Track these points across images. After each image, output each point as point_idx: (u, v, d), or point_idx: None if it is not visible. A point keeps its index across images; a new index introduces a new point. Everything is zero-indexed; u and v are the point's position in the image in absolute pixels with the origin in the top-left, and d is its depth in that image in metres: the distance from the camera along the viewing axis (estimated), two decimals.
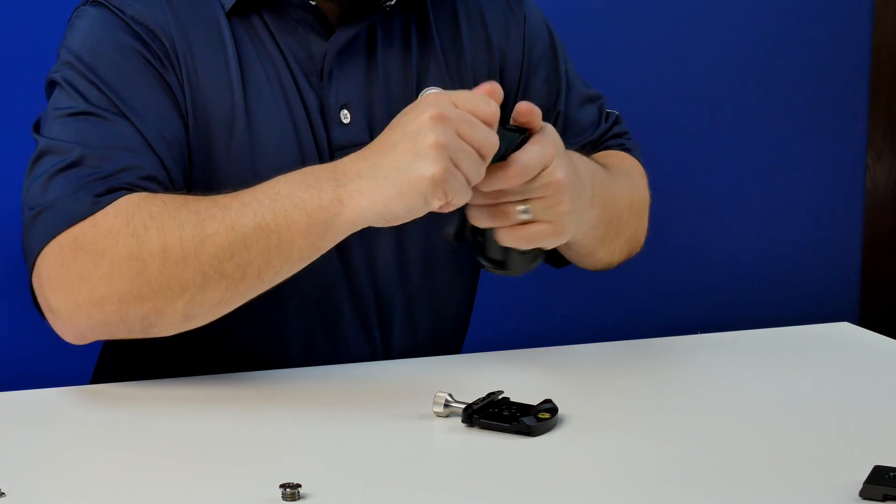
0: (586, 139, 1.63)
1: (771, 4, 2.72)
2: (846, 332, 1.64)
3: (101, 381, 1.60)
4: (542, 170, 1.30)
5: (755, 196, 2.91)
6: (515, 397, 1.29)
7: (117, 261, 1.29)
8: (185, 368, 1.45)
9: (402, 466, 1.17)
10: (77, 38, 1.44)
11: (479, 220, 1.32)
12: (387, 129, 1.29)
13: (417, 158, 1.24)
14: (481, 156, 1.25)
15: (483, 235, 1.34)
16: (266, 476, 1.12)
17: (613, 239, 1.50)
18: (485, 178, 1.27)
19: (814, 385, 1.40)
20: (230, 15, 1.46)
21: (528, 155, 1.29)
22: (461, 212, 1.33)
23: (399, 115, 1.29)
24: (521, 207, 1.30)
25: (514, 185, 1.29)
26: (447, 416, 1.28)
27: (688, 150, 2.88)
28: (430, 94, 1.30)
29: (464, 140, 1.24)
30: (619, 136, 1.67)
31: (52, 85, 1.44)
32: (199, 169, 1.44)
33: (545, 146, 1.30)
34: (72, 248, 1.30)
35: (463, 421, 1.26)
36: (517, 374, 1.42)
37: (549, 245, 1.35)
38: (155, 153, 1.39)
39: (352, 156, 1.29)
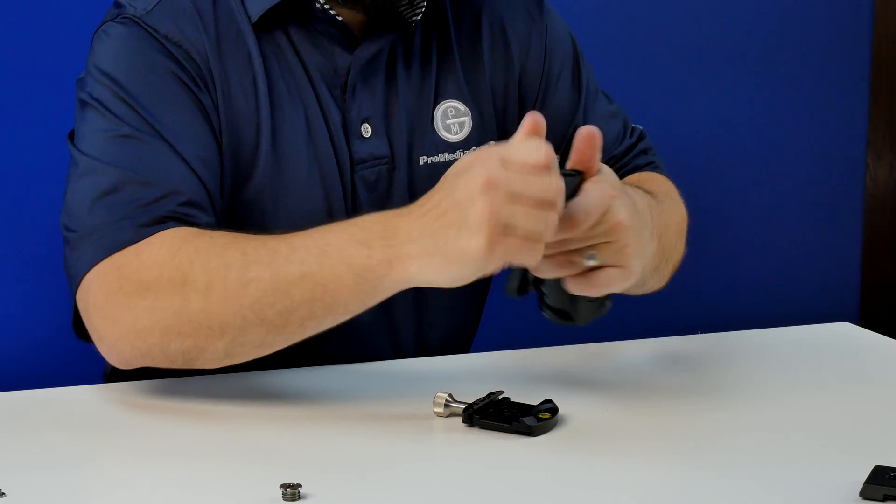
0: (609, 154, 1.61)
1: (770, 4, 2.73)
2: (846, 333, 1.64)
3: (117, 380, 1.59)
4: (604, 213, 1.23)
5: (755, 196, 2.91)
6: (515, 397, 1.29)
7: (161, 294, 1.27)
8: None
9: (402, 466, 1.17)
10: (108, 56, 1.42)
11: (544, 271, 1.24)
12: (438, 190, 1.22)
13: (464, 230, 1.17)
14: (546, 205, 1.16)
15: (544, 285, 1.28)
16: (266, 476, 1.12)
17: (665, 266, 1.47)
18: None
19: (814, 385, 1.40)
20: (255, 28, 1.45)
21: (589, 200, 1.21)
22: (521, 269, 1.28)
23: (451, 177, 1.21)
24: (588, 254, 1.23)
25: (577, 234, 1.21)
26: (447, 417, 1.28)
27: (686, 150, 2.88)
28: (479, 153, 1.20)
29: (519, 200, 1.16)
30: (645, 152, 1.64)
31: (83, 103, 1.42)
32: (227, 189, 1.44)
33: (604, 188, 1.23)
34: (117, 276, 1.30)
35: (463, 421, 1.26)
36: (517, 374, 1.42)
37: (618, 289, 1.27)
38: (195, 174, 1.38)
39: (406, 212, 1.23)
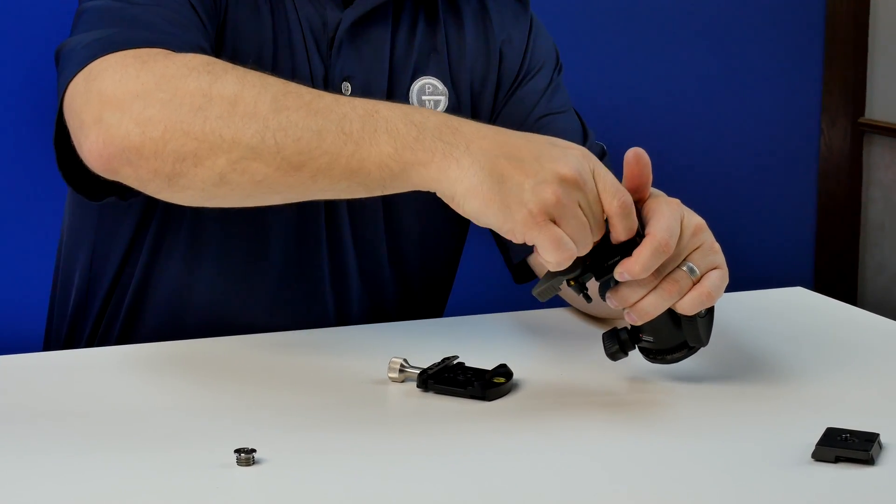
0: None
1: None
2: (800, 297, 1.65)
3: (58, 347, 1.58)
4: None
5: (709, 161, 2.92)
6: (470, 362, 1.29)
7: (183, 90, 1.19)
8: (156, 332, 1.44)
9: (356, 431, 1.17)
10: None
11: (652, 309, 1.21)
12: (522, 136, 1.18)
13: (524, 193, 1.13)
14: (597, 229, 1.17)
15: (645, 334, 1.25)
16: (221, 441, 1.12)
17: None
18: (640, 263, 1.17)
19: (768, 349, 1.41)
20: None
21: (666, 216, 1.20)
22: (611, 331, 1.27)
23: (545, 140, 1.18)
24: (686, 267, 1.21)
25: (671, 251, 1.18)
26: (402, 382, 1.28)
27: (640, 117, 2.88)
28: (586, 150, 1.18)
29: (584, 212, 1.15)
30: None
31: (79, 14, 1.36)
32: None
33: (668, 202, 1.22)
34: (137, 67, 1.21)
35: (418, 386, 1.26)
36: (472, 340, 1.42)
37: (723, 288, 1.24)
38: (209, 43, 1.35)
39: (477, 124, 1.18)
